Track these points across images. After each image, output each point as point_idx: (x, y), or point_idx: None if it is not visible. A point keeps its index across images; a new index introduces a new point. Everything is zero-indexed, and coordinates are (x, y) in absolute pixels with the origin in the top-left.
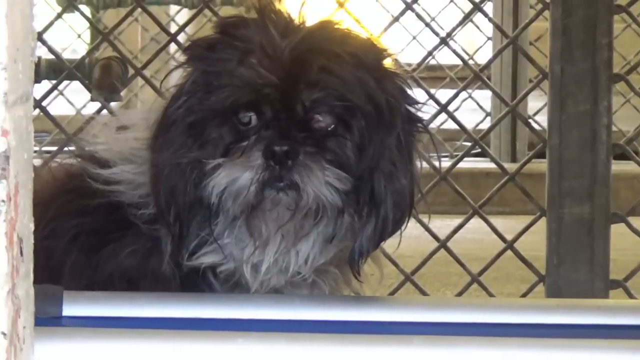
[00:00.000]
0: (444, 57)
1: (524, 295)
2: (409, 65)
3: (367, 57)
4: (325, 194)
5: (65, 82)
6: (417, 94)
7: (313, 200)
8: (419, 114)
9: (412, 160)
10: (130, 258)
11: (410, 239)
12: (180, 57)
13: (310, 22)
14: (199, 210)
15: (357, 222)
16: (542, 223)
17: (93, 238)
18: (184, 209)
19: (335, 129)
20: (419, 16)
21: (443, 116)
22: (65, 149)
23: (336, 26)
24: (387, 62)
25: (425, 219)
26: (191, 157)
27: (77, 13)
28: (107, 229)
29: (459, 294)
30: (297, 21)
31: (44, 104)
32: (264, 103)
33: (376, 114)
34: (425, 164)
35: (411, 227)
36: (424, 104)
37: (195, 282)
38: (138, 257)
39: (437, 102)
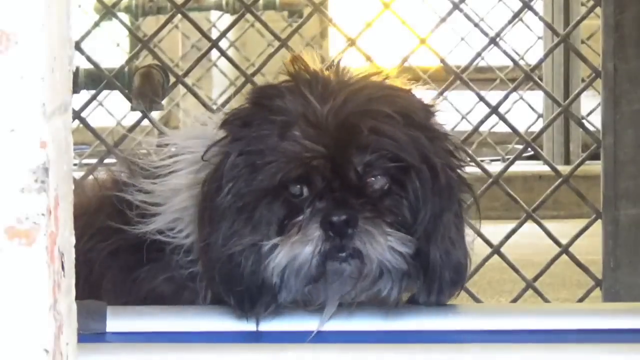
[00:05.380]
0: (494, 58)
1: (581, 300)
2: (458, 67)
3: (417, 115)
4: (389, 259)
5: (105, 92)
6: (467, 97)
7: (377, 266)
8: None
9: (463, 230)
10: (166, 284)
11: None
12: (217, 133)
13: (348, 79)
14: (262, 291)
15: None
16: (598, 226)
17: (131, 255)
18: (244, 295)
19: (389, 188)
20: (467, 16)
21: (494, 119)
22: (106, 160)
23: (377, 81)
24: (436, 121)
25: (477, 225)
26: (245, 243)
27: (115, 21)
28: (145, 248)
29: (514, 301)
30: (334, 81)
31: (83, 114)
32: (314, 174)
33: (430, 175)
34: (475, 169)
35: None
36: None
37: None
38: (173, 286)
39: (487, 104)
